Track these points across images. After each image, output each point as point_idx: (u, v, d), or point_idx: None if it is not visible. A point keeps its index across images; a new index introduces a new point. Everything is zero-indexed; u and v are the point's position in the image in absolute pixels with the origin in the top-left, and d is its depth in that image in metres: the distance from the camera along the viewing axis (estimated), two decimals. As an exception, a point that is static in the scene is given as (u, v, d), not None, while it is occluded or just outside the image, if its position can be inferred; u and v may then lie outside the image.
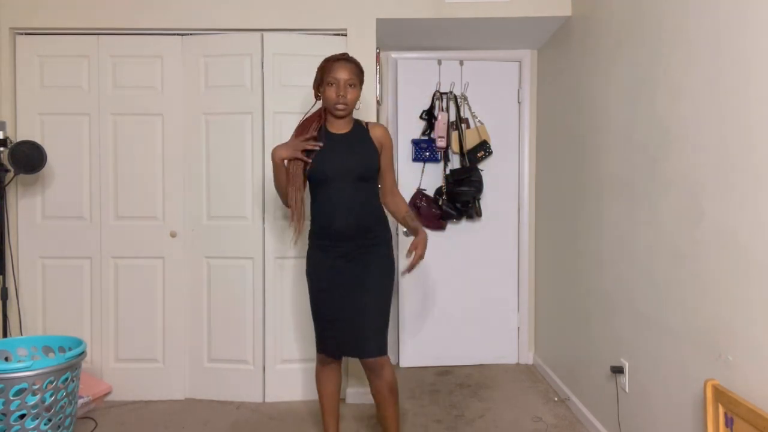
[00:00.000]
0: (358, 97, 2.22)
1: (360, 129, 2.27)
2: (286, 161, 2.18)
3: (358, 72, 2.21)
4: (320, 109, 2.29)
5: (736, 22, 1.64)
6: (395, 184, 2.36)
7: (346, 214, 2.17)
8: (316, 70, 2.26)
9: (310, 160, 2.17)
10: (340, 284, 2.21)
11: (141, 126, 3.05)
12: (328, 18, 3.02)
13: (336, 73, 2.15)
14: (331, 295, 2.22)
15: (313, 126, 2.22)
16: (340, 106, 2.16)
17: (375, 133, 2.26)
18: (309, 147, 2.16)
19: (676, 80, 1.95)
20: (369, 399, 2.91)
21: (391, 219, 2.39)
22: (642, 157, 2.19)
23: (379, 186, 2.34)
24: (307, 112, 2.34)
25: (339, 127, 2.26)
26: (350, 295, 2.20)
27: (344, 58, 2.19)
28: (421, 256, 2.21)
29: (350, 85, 2.17)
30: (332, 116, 2.25)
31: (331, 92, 2.17)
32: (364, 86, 2.32)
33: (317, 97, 2.29)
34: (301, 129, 2.24)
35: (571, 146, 3.01)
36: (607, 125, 2.53)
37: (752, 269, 1.55)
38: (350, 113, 2.25)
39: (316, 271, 2.27)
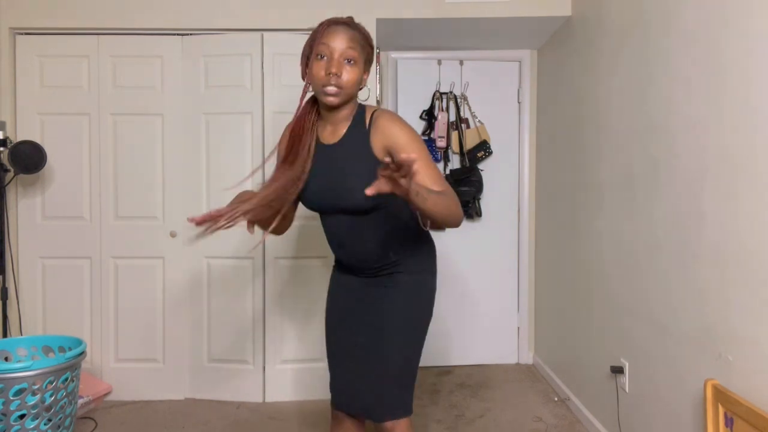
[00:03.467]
0: (359, 80, 1.53)
1: (358, 132, 1.56)
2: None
3: (363, 42, 1.54)
4: (309, 102, 1.63)
5: (737, 22, 1.63)
6: (437, 182, 1.47)
7: (350, 253, 1.65)
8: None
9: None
10: (351, 320, 1.72)
11: (141, 126, 3.05)
12: (328, 18, 3.01)
13: (329, 39, 1.48)
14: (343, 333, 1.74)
15: (308, 135, 1.60)
16: (330, 89, 1.48)
17: (376, 136, 1.53)
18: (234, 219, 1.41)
19: (677, 80, 1.95)
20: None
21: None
22: (642, 157, 2.19)
23: None
24: (299, 107, 1.61)
25: (331, 132, 1.60)
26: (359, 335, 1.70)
27: (344, 22, 1.54)
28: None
29: (348, 60, 1.49)
30: (322, 108, 1.57)
31: (318, 68, 1.48)
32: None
33: (304, 76, 1.57)
34: (293, 139, 1.61)
35: (571, 146, 3.01)
36: (607, 125, 2.53)
37: (752, 269, 1.55)
38: (347, 102, 1.56)
39: (332, 298, 1.79)
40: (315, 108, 1.62)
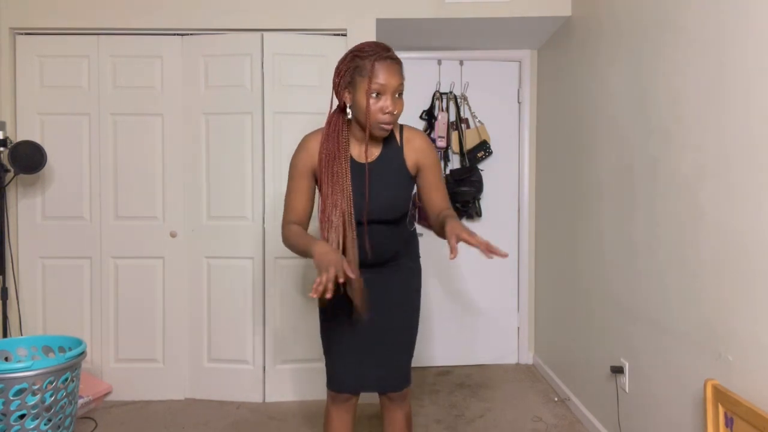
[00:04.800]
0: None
1: (394, 149, 1.73)
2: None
3: (403, 74, 1.65)
4: (336, 116, 1.70)
5: (736, 22, 1.64)
6: (447, 199, 1.79)
7: (376, 253, 1.77)
8: (339, 65, 1.64)
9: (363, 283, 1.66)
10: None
11: (141, 126, 3.05)
12: (328, 18, 3.02)
13: (384, 78, 1.57)
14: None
15: (342, 150, 1.67)
16: (387, 126, 1.61)
17: (410, 154, 1.73)
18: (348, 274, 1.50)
19: (676, 80, 1.95)
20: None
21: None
22: (642, 157, 2.19)
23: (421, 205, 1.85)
24: (328, 127, 1.70)
25: (364, 151, 1.70)
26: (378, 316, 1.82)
27: (391, 57, 1.60)
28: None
29: (399, 94, 1.62)
30: (359, 130, 1.69)
31: (376, 104, 1.58)
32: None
33: (343, 104, 1.66)
34: (329, 159, 1.67)
35: (571, 146, 3.01)
36: (607, 125, 2.53)
37: (752, 269, 1.55)
38: None
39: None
40: (345, 126, 1.70)
